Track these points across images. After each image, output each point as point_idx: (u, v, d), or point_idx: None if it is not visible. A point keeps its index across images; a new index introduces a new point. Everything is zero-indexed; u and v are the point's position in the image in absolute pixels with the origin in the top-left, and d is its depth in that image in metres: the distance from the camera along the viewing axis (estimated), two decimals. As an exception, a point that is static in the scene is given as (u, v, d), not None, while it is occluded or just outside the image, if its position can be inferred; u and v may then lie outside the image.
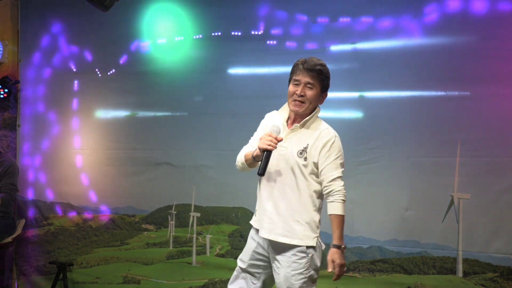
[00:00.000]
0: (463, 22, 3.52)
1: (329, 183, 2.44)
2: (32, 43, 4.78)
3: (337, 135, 2.51)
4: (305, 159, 2.42)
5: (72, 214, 4.71)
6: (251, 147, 2.55)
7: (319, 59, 2.47)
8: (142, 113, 4.50)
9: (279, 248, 2.44)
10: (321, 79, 2.44)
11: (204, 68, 4.25)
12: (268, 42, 4.06)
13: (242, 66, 4.17)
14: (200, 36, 4.27)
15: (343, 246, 2.43)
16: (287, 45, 4.01)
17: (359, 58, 3.81)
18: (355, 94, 3.83)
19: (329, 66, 3.83)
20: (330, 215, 2.48)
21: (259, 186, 2.56)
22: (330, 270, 2.42)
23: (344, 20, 3.85)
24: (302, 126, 2.47)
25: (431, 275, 3.62)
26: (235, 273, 2.60)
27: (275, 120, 2.52)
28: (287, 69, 3.90)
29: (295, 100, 2.43)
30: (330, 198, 2.46)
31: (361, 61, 3.80)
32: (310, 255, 2.46)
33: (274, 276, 2.49)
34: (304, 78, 2.41)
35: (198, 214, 4.29)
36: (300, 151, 2.42)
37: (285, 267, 2.41)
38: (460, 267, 3.55)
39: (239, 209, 4.16)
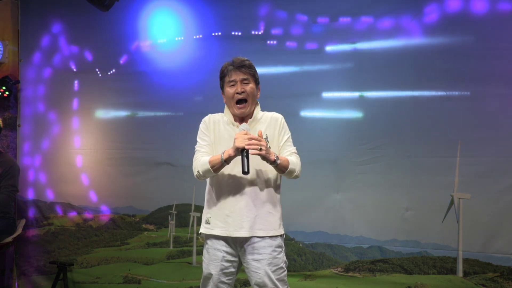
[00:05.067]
0: (463, 22, 3.53)
1: (287, 157, 2.52)
2: (33, 43, 4.79)
3: (283, 116, 2.64)
4: (269, 147, 2.50)
5: (72, 214, 4.72)
6: (205, 154, 2.54)
7: (242, 57, 2.57)
8: (142, 113, 4.50)
9: (256, 247, 2.47)
10: (252, 72, 2.57)
11: (204, 68, 4.24)
12: (268, 42, 4.06)
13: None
14: (200, 36, 4.27)
15: (275, 158, 2.39)
16: (287, 45, 4.01)
17: (359, 58, 3.81)
18: (355, 94, 3.83)
19: (329, 66, 3.90)
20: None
21: (217, 191, 2.54)
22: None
23: (344, 20, 3.85)
24: (254, 120, 2.58)
25: (431, 275, 3.62)
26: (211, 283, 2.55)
27: (223, 124, 2.58)
28: (288, 69, 3.99)
29: (238, 102, 2.52)
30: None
31: (361, 61, 3.80)
32: (283, 248, 2.56)
33: (251, 275, 2.50)
34: (238, 76, 2.53)
35: (199, 214, 4.29)
36: None
37: (265, 265, 2.46)
38: (460, 267, 3.55)
39: (239, 209, 4.16)
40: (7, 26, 4.76)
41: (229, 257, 2.53)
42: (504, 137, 3.44)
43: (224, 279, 2.53)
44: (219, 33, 4.21)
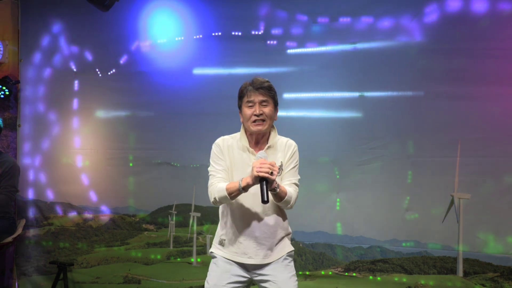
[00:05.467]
0: (463, 22, 3.53)
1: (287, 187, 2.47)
2: (33, 43, 4.78)
3: (296, 145, 2.58)
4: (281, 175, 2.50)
5: (72, 214, 4.72)
6: (222, 180, 2.47)
7: (263, 78, 2.51)
8: (142, 113, 4.50)
9: (270, 265, 2.50)
10: (272, 94, 2.48)
11: (204, 68, 4.25)
12: (268, 42, 4.06)
13: (242, 66, 4.16)
14: (200, 36, 4.27)
15: (276, 186, 2.32)
16: (287, 45, 4.01)
17: (359, 58, 3.81)
18: (355, 94, 3.83)
19: (329, 66, 3.89)
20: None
21: (232, 216, 2.52)
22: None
23: (344, 20, 3.85)
24: (270, 147, 2.51)
25: (431, 275, 3.62)
26: None
27: (238, 150, 2.51)
28: (288, 69, 3.98)
29: (255, 121, 2.44)
30: None
31: (361, 61, 3.80)
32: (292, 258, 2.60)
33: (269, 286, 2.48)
34: (256, 97, 2.44)
35: (199, 214, 4.29)
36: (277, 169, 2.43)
37: (281, 273, 2.48)
38: (460, 267, 3.55)
39: (239, 209, 4.16)
40: (7, 26, 4.76)
41: (240, 272, 2.51)
42: (504, 137, 3.44)
43: None
44: (219, 33, 4.21)
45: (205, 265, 4.25)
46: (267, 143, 2.50)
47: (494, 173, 3.46)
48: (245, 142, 2.51)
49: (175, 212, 4.37)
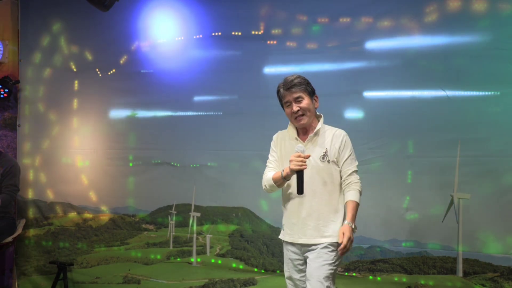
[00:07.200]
0: (463, 22, 3.52)
1: (348, 177, 2.67)
2: (33, 43, 4.79)
3: (346, 133, 2.75)
4: (328, 161, 2.65)
5: (72, 214, 4.72)
6: (272, 169, 2.75)
7: (292, 75, 2.70)
8: (142, 113, 4.50)
9: (313, 245, 2.62)
10: (303, 88, 2.68)
11: (204, 68, 4.25)
12: (268, 42, 4.06)
13: (242, 66, 4.16)
14: (200, 36, 4.27)
15: (353, 226, 2.59)
16: (287, 45, 4.01)
17: (359, 58, 3.80)
18: (355, 94, 3.82)
19: (329, 66, 3.90)
20: (346, 201, 2.64)
21: (286, 201, 2.74)
22: (340, 241, 2.54)
23: (344, 20, 3.85)
24: (315, 134, 2.69)
25: (431, 275, 3.62)
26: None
27: (288, 140, 2.76)
28: (288, 69, 3.98)
29: (296, 117, 2.66)
30: (348, 189, 2.67)
31: (361, 61, 3.80)
32: (336, 248, 2.63)
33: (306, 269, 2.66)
34: (290, 97, 2.66)
35: (198, 214, 4.29)
36: (322, 156, 2.65)
37: (316, 258, 2.58)
38: (460, 267, 3.55)
39: (239, 209, 4.17)
40: (7, 26, 4.76)
41: (298, 257, 2.70)
42: (504, 137, 3.43)
43: (297, 276, 2.72)
44: (219, 33, 4.21)
45: (205, 265, 4.25)
46: (312, 132, 2.69)
47: (494, 173, 3.45)
48: (293, 133, 2.75)
49: (175, 212, 4.37)
